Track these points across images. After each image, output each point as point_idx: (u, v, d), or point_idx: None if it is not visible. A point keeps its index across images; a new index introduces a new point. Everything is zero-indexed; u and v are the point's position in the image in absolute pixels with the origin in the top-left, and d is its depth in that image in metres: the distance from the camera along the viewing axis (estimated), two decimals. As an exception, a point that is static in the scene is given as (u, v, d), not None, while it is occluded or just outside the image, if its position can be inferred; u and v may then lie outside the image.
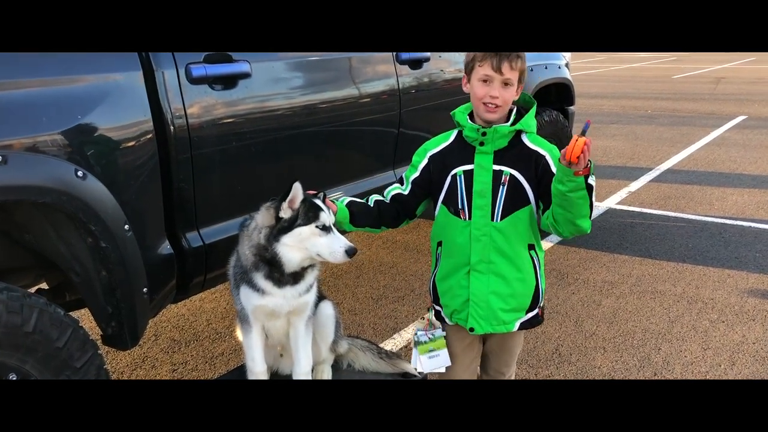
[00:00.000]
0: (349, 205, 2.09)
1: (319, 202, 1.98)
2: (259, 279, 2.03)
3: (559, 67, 4.54)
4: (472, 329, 2.03)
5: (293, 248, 1.97)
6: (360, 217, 2.09)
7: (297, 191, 1.94)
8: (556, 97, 4.70)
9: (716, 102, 11.78)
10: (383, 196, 2.13)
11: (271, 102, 2.54)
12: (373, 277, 4.06)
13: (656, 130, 9.02)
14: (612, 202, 5.62)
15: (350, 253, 1.95)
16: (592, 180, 1.81)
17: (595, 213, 5.26)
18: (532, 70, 4.17)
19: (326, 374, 2.41)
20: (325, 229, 1.96)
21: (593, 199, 1.86)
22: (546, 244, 4.58)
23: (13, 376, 1.75)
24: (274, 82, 2.56)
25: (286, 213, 1.96)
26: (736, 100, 11.95)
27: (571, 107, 4.85)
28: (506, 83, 1.91)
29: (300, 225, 1.95)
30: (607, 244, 4.60)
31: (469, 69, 1.97)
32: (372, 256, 4.41)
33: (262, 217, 2.00)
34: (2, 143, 1.72)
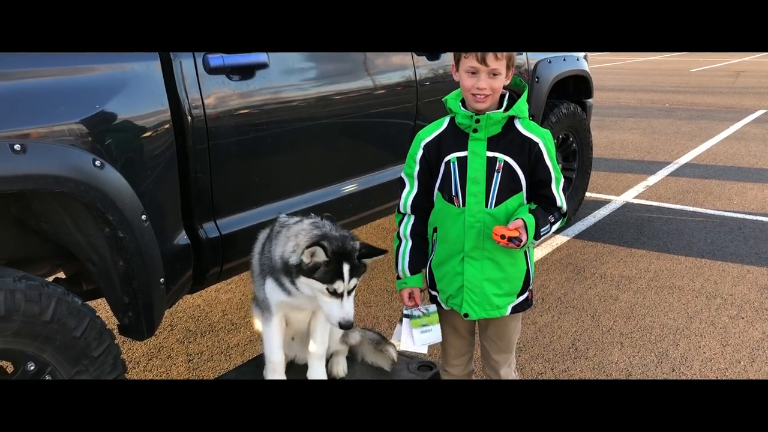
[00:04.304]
0: (413, 270, 2.11)
1: (346, 269, 1.94)
2: (286, 281, 2.03)
3: (578, 59, 4.50)
4: (466, 315, 2.03)
5: (307, 287, 1.99)
6: (424, 261, 2.13)
7: (314, 251, 1.93)
8: (574, 90, 4.66)
9: (735, 95, 11.63)
10: (406, 211, 2.12)
11: (288, 93, 2.53)
12: (388, 269, 4.04)
13: (674, 124, 8.92)
14: (629, 196, 5.57)
15: (343, 326, 1.97)
16: (532, 243, 1.95)
17: (612, 207, 5.23)
18: (550, 62, 4.14)
19: (341, 365, 2.41)
20: (336, 294, 1.96)
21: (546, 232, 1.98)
22: (563, 238, 4.55)
23: (31, 365, 1.76)
24: (291, 72, 2.55)
25: (306, 259, 1.95)
26: (756, 94, 11.79)
27: (589, 100, 4.80)
28: (493, 73, 1.89)
29: (315, 278, 1.95)
30: (625, 239, 4.56)
31: (456, 59, 1.96)
32: (387, 248, 4.39)
33: (298, 244, 2.00)
34: (21, 132, 1.72)
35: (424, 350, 2.12)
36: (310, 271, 1.94)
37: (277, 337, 2.19)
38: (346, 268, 1.94)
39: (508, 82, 1.96)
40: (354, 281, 1.97)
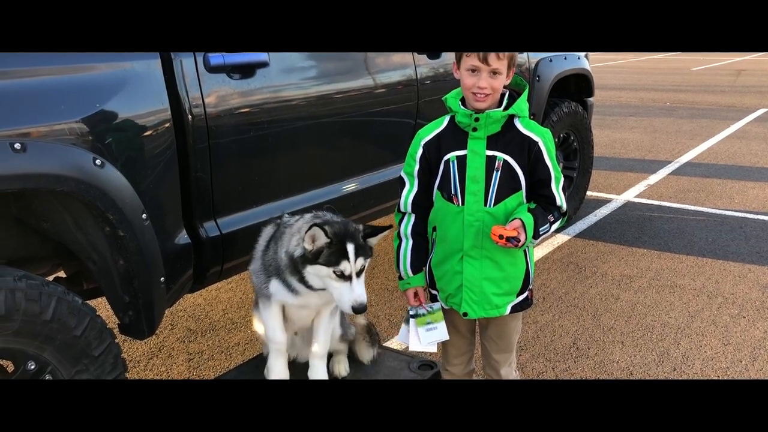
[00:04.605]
0: (414, 270, 2.09)
1: (350, 248, 1.92)
2: (294, 282, 2.03)
3: (579, 58, 4.49)
4: (465, 314, 2.03)
5: (315, 277, 1.97)
6: (425, 259, 2.11)
7: (314, 234, 1.92)
8: (575, 88, 4.65)
9: (736, 94, 11.62)
10: (406, 210, 2.11)
11: (288, 91, 2.52)
12: (389, 269, 4.04)
13: (675, 123, 8.92)
14: (630, 195, 5.56)
15: (356, 309, 1.92)
16: (531, 243, 1.96)
17: (613, 206, 5.23)
18: (551, 61, 4.13)
19: (343, 364, 2.41)
20: (344, 276, 1.93)
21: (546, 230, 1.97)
22: (563, 237, 4.54)
23: (31, 364, 1.76)
24: (291, 71, 2.54)
25: (308, 245, 1.94)
26: (757, 93, 11.78)
27: (591, 98, 4.80)
28: (494, 72, 1.88)
29: (320, 263, 1.94)
30: (626, 238, 4.55)
31: (457, 57, 1.95)
32: (387, 248, 4.39)
33: (299, 235, 2.00)
34: (21, 131, 1.72)
35: (433, 349, 2.10)
36: (315, 257, 1.93)
37: (278, 318, 2.18)
38: (350, 247, 1.92)
39: (509, 81, 1.95)
40: (361, 261, 1.95)
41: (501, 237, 1.84)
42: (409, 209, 2.10)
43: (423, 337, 2.08)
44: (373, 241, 2.02)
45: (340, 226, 1.96)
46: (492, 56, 1.85)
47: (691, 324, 3.33)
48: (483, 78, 1.88)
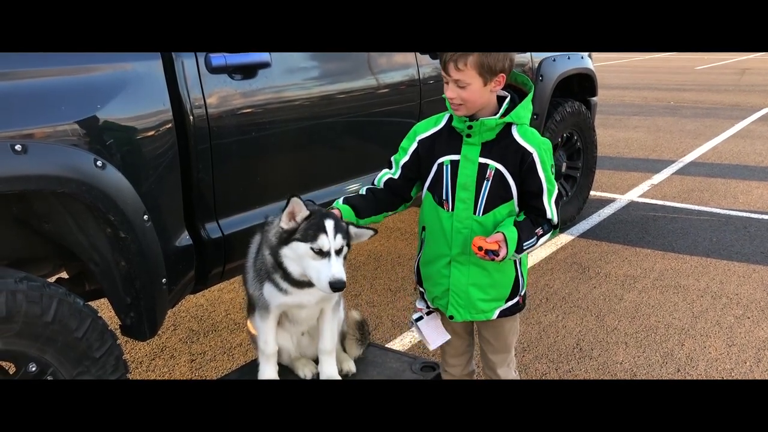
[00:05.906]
0: (346, 201, 2.02)
1: (329, 224, 1.87)
2: (280, 281, 2.01)
3: (582, 58, 4.48)
4: (451, 317, 2.02)
5: (292, 260, 1.93)
6: (363, 209, 2.02)
7: (294, 206, 1.88)
8: (578, 88, 4.64)
9: (741, 93, 11.59)
10: (374, 184, 2.08)
11: (290, 92, 2.51)
12: (392, 269, 4.04)
13: (679, 122, 8.89)
14: (634, 194, 5.54)
15: (334, 286, 1.84)
16: (514, 256, 1.88)
17: (617, 206, 5.21)
18: (554, 60, 4.12)
19: (351, 361, 2.40)
20: (322, 253, 1.87)
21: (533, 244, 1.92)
22: (567, 237, 4.53)
23: (33, 366, 1.75)
24: (293, 71, 2.54)
25: (285, 224, 1.91)
26: (762, 91, 11.75)
27: (594, 98, 4.78)
28: (459, 84, 1.83)
29: (297, 239, 1.89)
30: (629, 238, 4.54)
31: None
32: (390, 248, 4.39)
33: (278, 221, 1.98)
34: (22, 132, 1.71)
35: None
36: (290, 234, 1.89)
37: (273, 329, 2.17)
38: (329, 223, 1.87)
39: (497, 88, 1.87)
40: (340, 239, 1.88)
41: (480, 249, 1.81)
42: (381, 185, 2.05)
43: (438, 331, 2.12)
44: (353, 229, 1.96)
45: (318, 208, 1.95)
46: (450, 67, 1.81)
47: (695, 325, 3.32)
48: (449, 88, 1.85)
